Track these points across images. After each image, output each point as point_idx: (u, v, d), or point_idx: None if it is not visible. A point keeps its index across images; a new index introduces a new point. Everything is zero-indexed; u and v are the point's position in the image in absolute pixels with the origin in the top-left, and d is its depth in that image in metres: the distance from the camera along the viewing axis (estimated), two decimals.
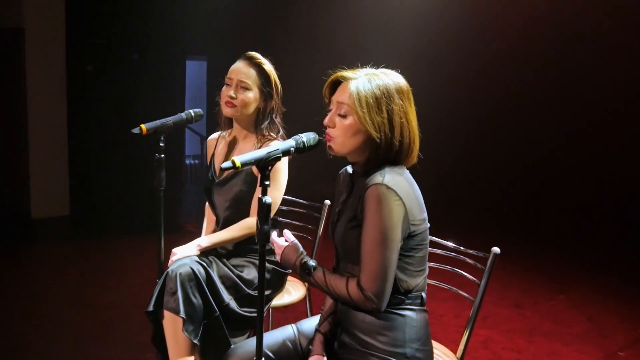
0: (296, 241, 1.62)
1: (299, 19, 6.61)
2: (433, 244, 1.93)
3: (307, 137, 1.54)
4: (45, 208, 5.62)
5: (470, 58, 6.05)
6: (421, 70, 5.40)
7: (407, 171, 1.56)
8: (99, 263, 4.46)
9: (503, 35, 5.82)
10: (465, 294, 1.95)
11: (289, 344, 1.71)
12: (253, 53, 2.20)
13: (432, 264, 1.91)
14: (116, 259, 4.57)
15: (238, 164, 1.42)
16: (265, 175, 1.45)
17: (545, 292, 4.09)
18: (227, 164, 1.42)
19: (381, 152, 1.50)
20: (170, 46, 5.85)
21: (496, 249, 1.78)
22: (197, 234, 2.45)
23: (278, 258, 1.62)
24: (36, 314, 3.42)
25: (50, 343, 3.03)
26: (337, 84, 1.57)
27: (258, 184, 2.04)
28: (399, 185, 1.45)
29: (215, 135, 2.40)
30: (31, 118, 5.47)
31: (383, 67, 1.58)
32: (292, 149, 1.50)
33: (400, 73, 1.58)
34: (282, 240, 1.63)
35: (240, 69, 2.17)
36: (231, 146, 2.29)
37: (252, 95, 2.16)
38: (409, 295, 1.54)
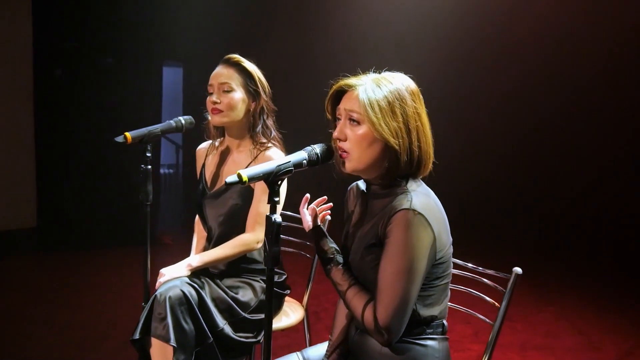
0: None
1: (279, 26, 6.47)
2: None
3: (321, 149, 1.39)
4: (10, 219, 5.31)
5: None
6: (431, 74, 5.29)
7: (431, 190, 1.44)
8: (70, 278, 4.20)
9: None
10: (484, 318, 1.82)
11: None
12: (231, 55, 2.06)
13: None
14: (89, 273, 4.32)
15: (245, 178, 1.27)
16: (275, 191, 1.30)
17: (535, 304, 4.04)
18: (233, 178, 1.27)
19: (401, 161, 1.36)
20: (146, 51, 5.64)
21: (518, 269, 1.66)
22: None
23: (309, 233, 1.57)
24: (2, 334, 3.18)
25: None
26: (339, 95, 1.43)
27: (264, 199, 1.88)
28: (428, 209, 1.33)
29: (205, 144, 2.23)
30: None
31: (386, 70, 1.46)
32: (305, 161, 1.36)
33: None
34: (309, 217, 1.56)
35: (219, 72, 2.03)
36: (224, 156, 2.13)
37: (238, 97, 2.00)
38: (431, 324, 1.42)
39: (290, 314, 2.17)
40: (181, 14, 5.92)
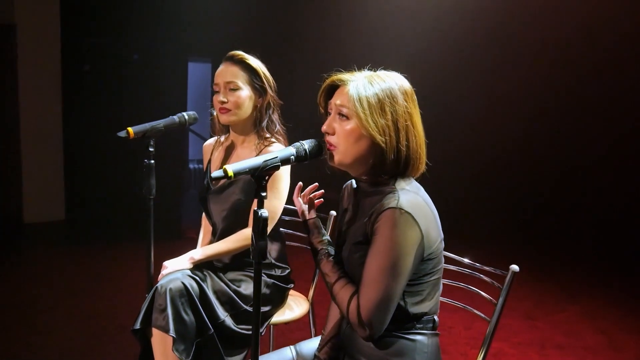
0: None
1: (305, 22, 6.45)
2: (447, 260, 1.78)
3: (310, 145, 1.39)
4: (39, 212, 5.44)
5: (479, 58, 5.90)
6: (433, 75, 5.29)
7: (421, 187, 1.42)
8: (94, 270, 4.31)
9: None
10: (481, 314, 1.79)
11: None
12: (234, 52, 2.06)
13: (444, 281, 1.76)
14: (112, 266, 4.42)
15: (230, 173, 1.27)
16: (262, 186, 1.30)
17: (557, 302, 3.96)
18: (219, 172, 1.28)
19: (387, 159, 1.36)
20: (173, 47, 5.68)
21: (515, 267, 1.62)
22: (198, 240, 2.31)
23: (302, 224, 1.57)
24: (26, 323, 3.28)
25: (39, 355, 2.89)
26: (333, 89, 1.43)
27: (267, 195, 1.90)
28: (416, 207, 1.32)
29: (212, 140, 2.26)
30: (24, 119, 5.30)
31: (382, 69, 1.45)
32: (293, 157, 1.36)
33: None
34: (305, 205, 1.57)
35: (224, 71, 2.04)
36: (228, 152, 2.14)
37: (245, 94, 2.01)
38: (421, 319, 1.41)
39: (294, 308, 2.17)
40: (208, 10, 5.94)
